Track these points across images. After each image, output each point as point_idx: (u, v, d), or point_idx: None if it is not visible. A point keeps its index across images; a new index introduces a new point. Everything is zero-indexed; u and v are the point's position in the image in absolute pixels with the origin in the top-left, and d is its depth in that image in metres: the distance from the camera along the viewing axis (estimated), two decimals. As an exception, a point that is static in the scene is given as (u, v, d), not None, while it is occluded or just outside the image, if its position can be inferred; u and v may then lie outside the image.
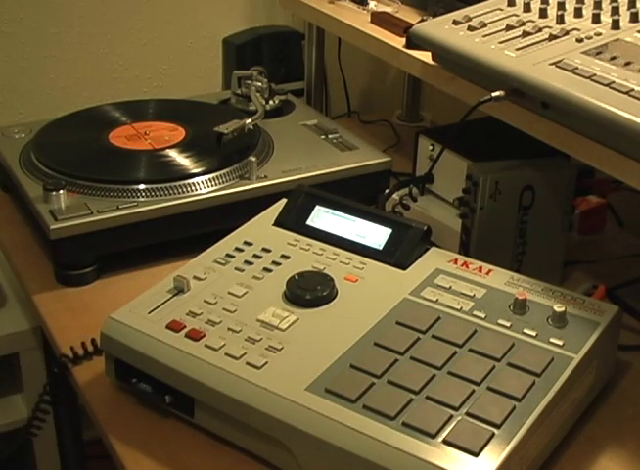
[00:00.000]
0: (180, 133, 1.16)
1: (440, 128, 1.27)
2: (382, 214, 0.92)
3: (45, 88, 1.50)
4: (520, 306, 0.80)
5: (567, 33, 0.89)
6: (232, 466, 0.76)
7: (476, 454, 0.66)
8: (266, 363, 0.74)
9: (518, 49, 0.87)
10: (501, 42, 0.89)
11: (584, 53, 0.85)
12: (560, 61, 0.84)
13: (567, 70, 0.82)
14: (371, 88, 1.70)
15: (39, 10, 1.44)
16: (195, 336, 0.78)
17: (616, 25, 0.89)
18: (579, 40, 0.87)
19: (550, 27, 0.90)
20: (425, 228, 0.89)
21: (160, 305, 0.82)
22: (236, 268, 0.87)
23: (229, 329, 0.78)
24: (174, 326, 0.79)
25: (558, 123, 0.84)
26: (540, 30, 0.90)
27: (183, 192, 1.04)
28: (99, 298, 0.98)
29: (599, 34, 0.88)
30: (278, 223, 0.94)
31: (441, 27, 0.94)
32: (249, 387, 0.73)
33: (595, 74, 0.80)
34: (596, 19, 0.90)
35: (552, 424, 0.73)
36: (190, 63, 1.59)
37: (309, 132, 1.22)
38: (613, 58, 0.83)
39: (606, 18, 0.90)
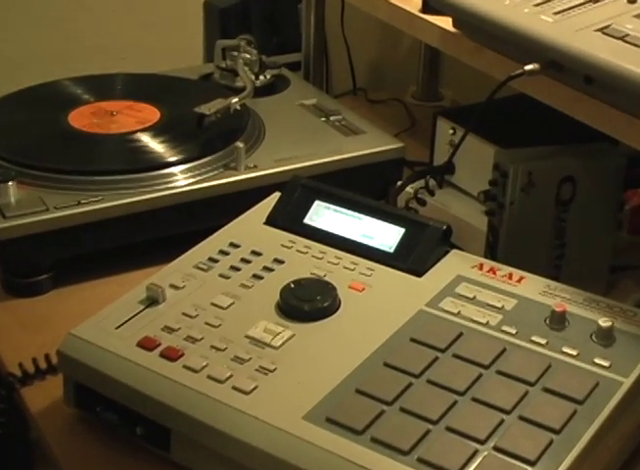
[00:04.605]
0: (153, 114, 1.16)
1: (463, 109, 1.27)
2: (393, 211, 0.93)
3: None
4: (558, 321, 0.80)
5: (615, -6, 0.89)
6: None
7: (506, 496, 0.66)
8: (256, 387, 0.75)
9: (556, 13, 0.87)
10: (536, 5, 0.89)
11: (637, 16, 0.85)
12: (607, 26, 0.84)
13: (615, 37, 0.82)
14: (380, 61, 1.71)
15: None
16: (171, 355, 0.78)
17: (675, -16, 0.89)
18: (631, 1, 0.87)
19: (595, -13, 0.91)
20: (444, 227, 0.89)
21: (131, 319, 0.82)
22: (220, 275, 0.87)
23: (212, 347, 0.79)
24: (147, 344, 0.79)
25: (603, 102, 0.84)
26: (583, -10, 0.90)
27: (157, 184, 1.04)
28: (56, 310, 0.98)
29: (654, -6, 0.88)
30: (270, 222, 0.94)
31: (465, -12, 0.95)
32: (236, 416, 0.73)
33: (649, 43, 0.81)
34: (651, -24, 0.91)
35: (597, 462, 0.73)
36: (165, 30, 1.60)
37: (307, 113, 1.23)
38: (670, 24, 0.84)
39: (664, -26, 0.91)
